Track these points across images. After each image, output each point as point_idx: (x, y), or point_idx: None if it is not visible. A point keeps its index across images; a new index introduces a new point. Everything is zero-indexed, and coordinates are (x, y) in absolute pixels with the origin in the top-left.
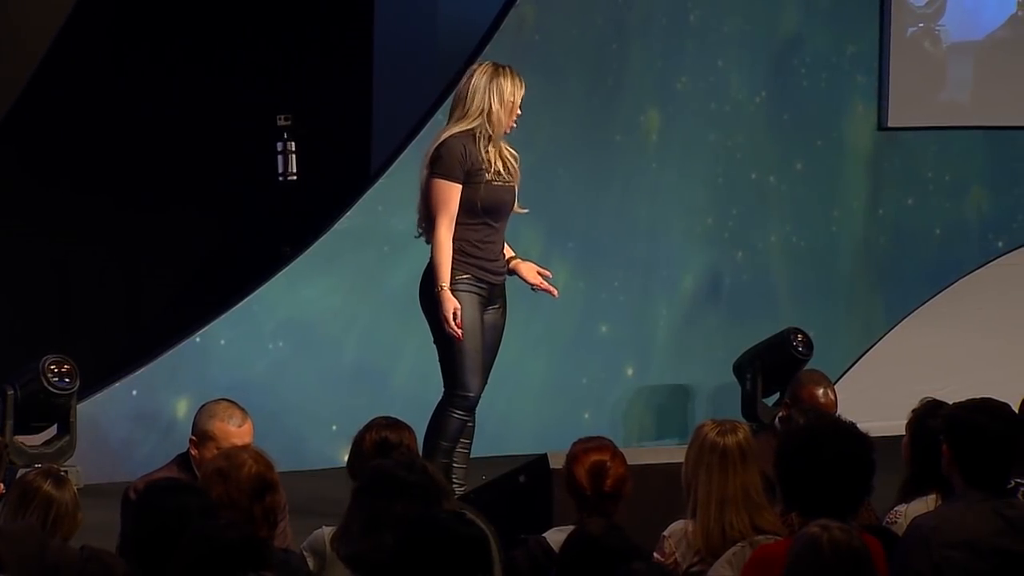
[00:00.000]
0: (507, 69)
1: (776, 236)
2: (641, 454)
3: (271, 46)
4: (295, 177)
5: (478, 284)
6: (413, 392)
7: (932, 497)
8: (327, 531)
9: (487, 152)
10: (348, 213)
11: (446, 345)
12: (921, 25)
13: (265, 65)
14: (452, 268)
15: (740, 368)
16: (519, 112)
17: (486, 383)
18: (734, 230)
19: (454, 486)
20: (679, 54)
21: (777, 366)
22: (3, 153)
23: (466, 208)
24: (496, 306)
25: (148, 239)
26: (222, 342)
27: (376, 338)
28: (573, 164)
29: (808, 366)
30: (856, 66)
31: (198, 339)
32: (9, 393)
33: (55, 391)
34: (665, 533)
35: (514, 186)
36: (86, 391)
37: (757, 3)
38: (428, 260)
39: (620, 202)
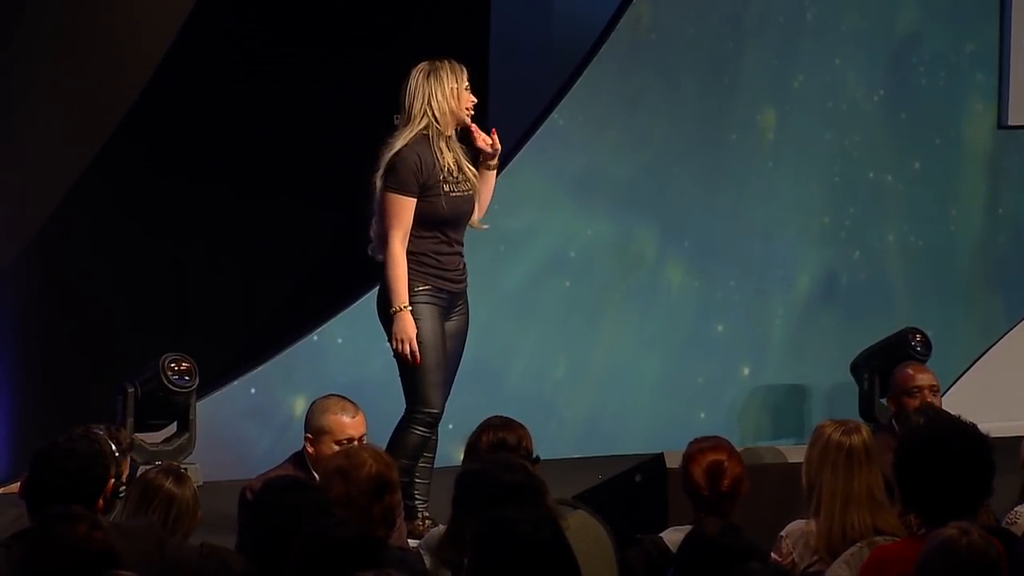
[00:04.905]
0: (442, 61)
1: (893, 235)
2: (757, 454)
3: (387, 45)
4: None
5: (438, 294)
6: (528, 391)
7: None
8: (444, 530)
9: (441, 154)
10: None
11: (406, 361)
12: None
13: (381, 64)
14: (409, 281)
15: (857, 368)
16: (472, 99)
17: (448, 393)
18: (851, 229)
19: (416, 503)
20: (795, 53)
21: (895, 366)
22: (123, 154)
23: (423, 220)
24: (458, 312)
25: (266, 237)
26: (339, 340)
27: (491, 337)
28: (688, 163)
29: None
30: (976, 64)
31: (315, 337)
32: (130, 391)
33: (175, 389)
34: (783, 533)
35: (473, 195)
36: (205, 389)
37: (874, 1)
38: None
39: (736, 201)
